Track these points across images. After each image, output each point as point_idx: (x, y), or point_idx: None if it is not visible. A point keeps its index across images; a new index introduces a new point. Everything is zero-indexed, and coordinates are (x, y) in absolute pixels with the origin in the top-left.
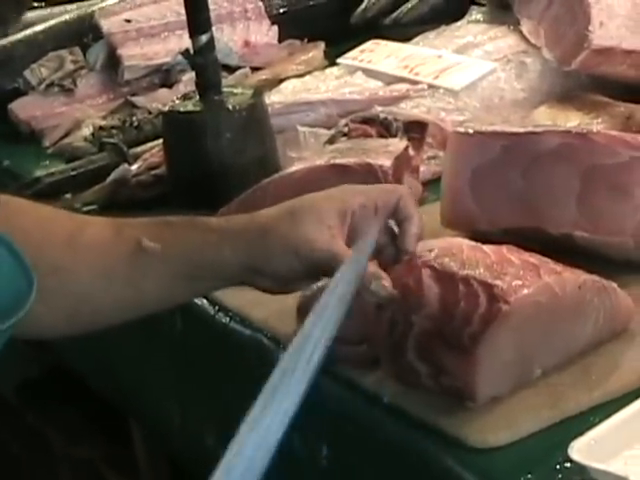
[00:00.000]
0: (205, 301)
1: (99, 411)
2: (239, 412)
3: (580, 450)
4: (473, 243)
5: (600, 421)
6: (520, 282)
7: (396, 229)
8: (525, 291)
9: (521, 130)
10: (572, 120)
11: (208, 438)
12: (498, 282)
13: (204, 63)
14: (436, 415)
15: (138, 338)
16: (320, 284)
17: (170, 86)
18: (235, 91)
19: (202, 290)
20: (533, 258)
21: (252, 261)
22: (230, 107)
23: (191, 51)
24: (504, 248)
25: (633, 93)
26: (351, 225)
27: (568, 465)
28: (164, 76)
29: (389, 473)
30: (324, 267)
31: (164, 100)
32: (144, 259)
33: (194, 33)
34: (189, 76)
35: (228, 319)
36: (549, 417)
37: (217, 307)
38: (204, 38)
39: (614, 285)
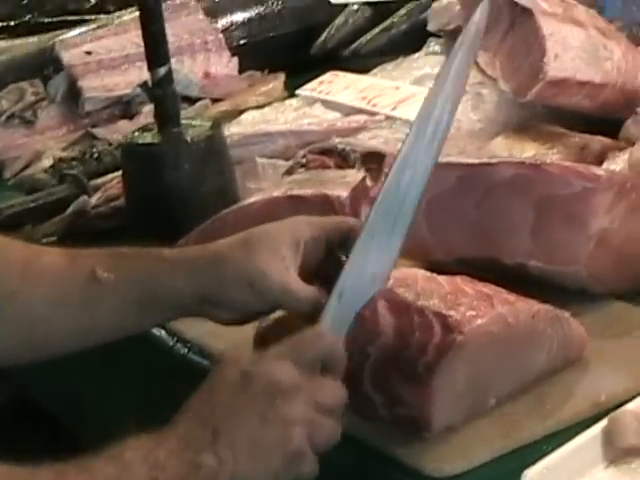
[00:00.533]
0: (164, 332)
1: (63, 440)
2: None
3: (532, 479)
4: (428, 273)
5: (553, 449)
6: (474, 312)
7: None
8: (479, 321)
9: (476, 161)
10: (528, 150)
11: None
12: (452, 312)
13: (163, 95)
14: (393, 445)
15: (98, 367)
16: (276, 315)
17: (131, 117)
18: (194, 123)
19: (156, 320)
20: (487, 288)
21: (205, 291)
22: (188, 139)
23: (149, 83)
24: (458, 278)
25: (588, 124)
26: (303, 256)
27: None
28: (124, 107)
29: None
30: (277, 299)
31: (124, 131)
32: (98, 288)
33: (152, 66)
34: (149, 108)
35: (186, 350)
36: (503, 446)
37: (176, 338)
38: (162, 70)
39: (567, 314)
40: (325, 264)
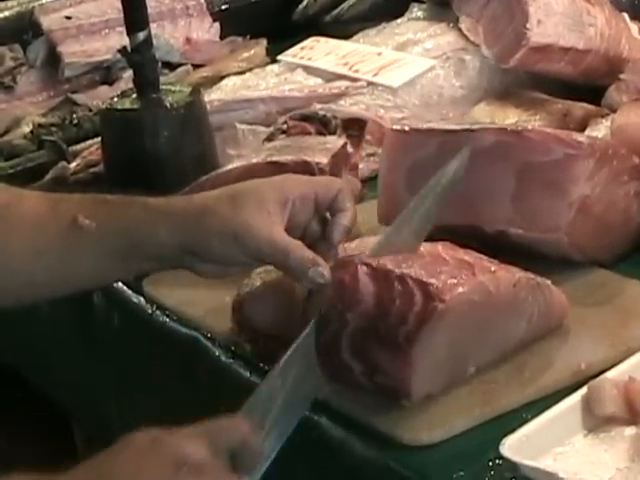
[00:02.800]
0: (142, 299)
1: (42, 412)
2: (177, 409)
3: (511, 447)
4: None
5: (532, 418)
6: (455, 280)
7: None
8: (460, 289)
9: (457, 127)
10: (510, 117)
11: None
12: (433, 280)
13: (141, 61)
14: (370, 414)
15: (76, 336)
16: (256, 282)
17: (111, 83)
18: (173, 89)
19: (135, 270)
20: (468, 256)
21: (189, 242)
22: (168, 105)
23: (129, 49)
24: (439, 246)
25: (570, 90)
26: (290, 214)
27: (500, 462)
28: (105, 73)
29: (323, 472)
30: (260, 253)
31: (104, 97)
32: (78, 236)
33: (131, 31)
34: (130, 73)
35: (165, 317)
36: (482, 415)
37: (154, 305)
38: (141, 35)
39: (548, 282)
40: (312, 225)
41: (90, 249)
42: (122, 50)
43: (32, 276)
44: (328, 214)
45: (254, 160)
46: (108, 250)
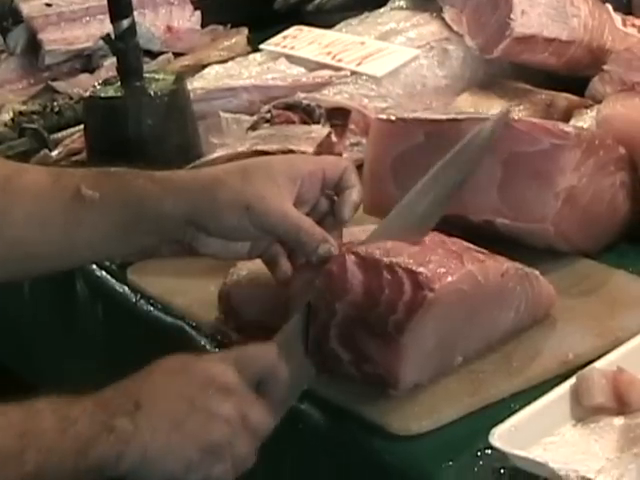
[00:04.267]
0: (126, 288)
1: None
2: None
3: (501, 437)
4: None
5: (521, 408)
6: (444, 270)
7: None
8: (449, 279)
9: (443, 117)
10: (494, 107)
11: None
12: (422, 269)
13: (125, 48)
14: (359, 403)
15: (59, 325)
16: (243, 272)
17: (91, 71)
18: (157, 77)
19: (138, 245)
20: (456, 246)
21: (196, 213)
22: (152, 93)
23: (112, 36)
24: (427, 236)
25: (554, 81)
26: (299, 191)
27: (489, 452)
28: (85, 61)
29: (312, 461)
30: (272, 226)
31: (85, 85)
32: (81, 207)
33: (115, 18)
34: (111, 61)
35: (150, 306)
36: (470, 404)
37: (139, 294)
38: (125, 23)
39: (536, 272)
40: (320, 203)
41: (93, 220)
42: (106, 37)
43: (34, 248)
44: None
45: (239, 149)
46: (111, 222)
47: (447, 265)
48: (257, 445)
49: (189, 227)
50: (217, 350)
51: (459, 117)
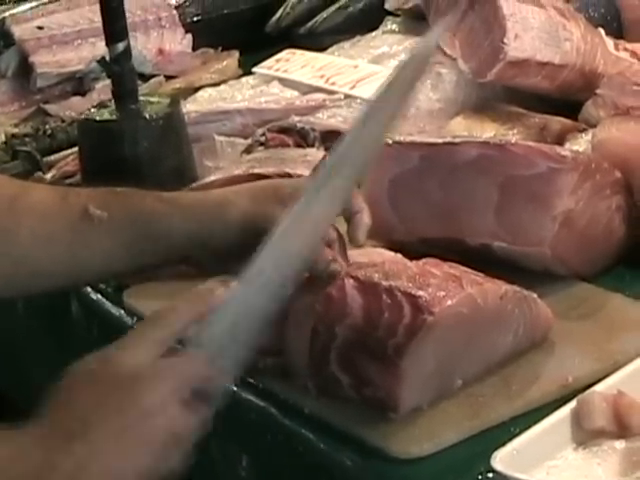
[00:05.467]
0: (122, 311)
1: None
2: None
3: (502, 460)
4: (393, 254)
5: (521, 431)
6: (443, 293)
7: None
8: (449, 302)
9: (439, 141)
10: (488, 131)
11: None
12: (422, 293)
13: (121, 71)
14: (358, 426)
15: (54, 348)
16: None
17: (83, 94)
18: (152, 100)
19: (144, 265)
20: (454, 269)
21: (206, 234)
22: (147, 116)
23: (107, 59)
24: (424, 261)
25: (547, 104)
26: None
27: (490, 475)
28: (77, 84)
29: None
30: None
31: (77, 108)
32: (89, 227)
33: (111, 41)
34: (102, 84)
35: None
36: (470, 427)
37: (135, 317)
38: (121, 46)
39: (534, 295)
40: None
41: (100, 240)
42: (101, 60)
43: (40, 266)
44: None
45: (236, 172)
46: (119, 241)
47: (446, 288)
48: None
49: (196, 247)
50: None
51: (455, 140)
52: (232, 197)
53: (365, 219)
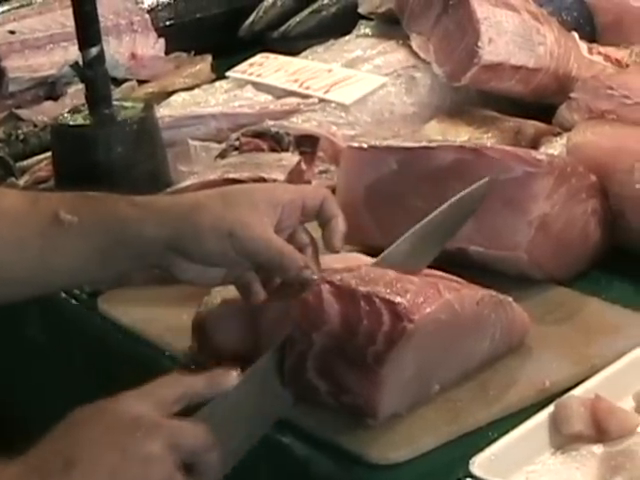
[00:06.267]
0: (98, 318)
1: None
2: None
3: (481, 465)
4: (369, 259)
5: (499, 436)
6: (422, 299)
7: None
8: (428, 309)
9: (415, 145)
10: (462, 135)
11: None
12: (401, 300)
13: (94, 76)
14: (337, 433)
15: (29, 354)
16: (217, 300)
17: (56, 99)
18: (125, 104)
19: (116, 270)
20: (430, 275)
21: (177, 238)
22: (121, 121)
23: (80, 64)
24: None
25: (521, 108)
26: (278, 219)
27: None
28: (49, 88)
29: None
30: (255, 252)
31: (50, 113)
32: (59, 232)
33: (84, 46)
34: (75, 88)
35: (122, 336)
36: (448, 433)
37: (110, 324)
38: (94, 51)
39: (510, 300)
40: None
41: (71, 245)
42: (74, 65)
43: (11, 273)
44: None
45: (211, 177)
46: (91, 246)
47: (425, 294)
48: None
49: (169, 252)
50: None
51: (430, 145)
52: (205, 201)
53: (340, 225)
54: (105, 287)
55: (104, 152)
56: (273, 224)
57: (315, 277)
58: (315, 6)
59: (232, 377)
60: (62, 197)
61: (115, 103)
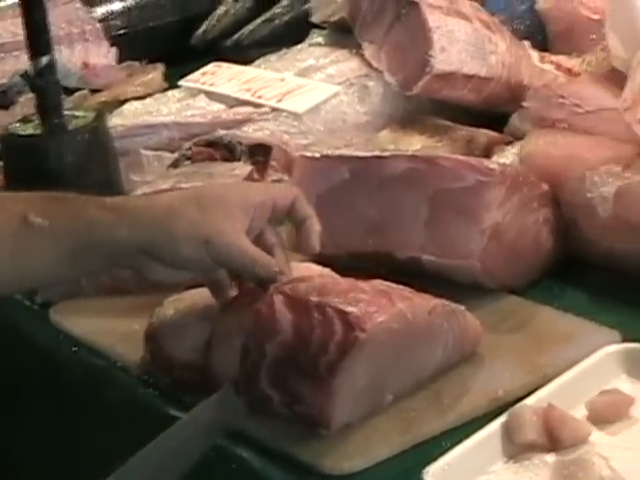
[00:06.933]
0: (49, 328)
1: None
2: (89, 441)
3: (434, 475)
4: (322, 269)
5: (452, 446)
6: (374, 309)
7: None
8: (380, 318)
9: (368, 154)
10: (415, 144)
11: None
12: (353, 309)
13: (45, 85)
14: (291, 443)
15: None
16: (169, 311)
17: (6, 107)
18: (77, 114)
19: (88, 270)
20: (383, 284)
21: (152, 244)
22: (72, 130)
23: (31, 73)
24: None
25: (474, 117)
26: (251, 220)
27: None
28: (0, 97)
29: None
30: (231, 260)
31: (1, 122)
32: (30, 234)
33: (34, 55)
34: (26, 97)
35: (74, 347)
36: (402, 442)
37: (62, 335)
38: (44, 60)
39: (463, 308)
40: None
41: (41, 248)
42: (24, 74)
43: None
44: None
45: (162, 186)
46: (61, 249)
47: (377, 304)
48: None
49: (142, 255)
50: (145, 390)
51: (383, 154)
52: (179, 206)
53: (315, 225)
54: (57, 298)
55: (55, 162)
56: (245, 228)
57: (287, 279)
58: (268, 15)
59: None
60: (30, 199)
61: (66, 112)
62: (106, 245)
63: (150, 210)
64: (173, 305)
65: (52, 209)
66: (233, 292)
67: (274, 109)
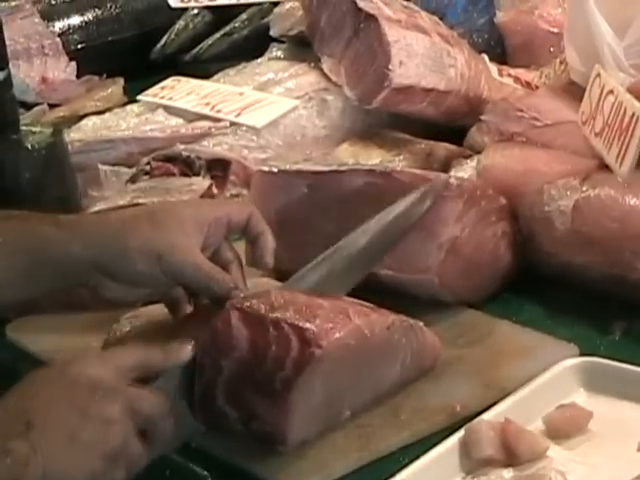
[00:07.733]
0: (5, 346)
1: None
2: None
3: None
4: (279, 284)
5: (410, 461)
6: (331, 325)
7: None
8: (337, 334)
9: (326, 169)
10: (374, 157)
11: None
12: (309, 325)
13: (1, 101)
14: (247, 460)
15: None
16: (126, 328)
17: None
18: (34, 129)
19: (42, 289)
20: (341, 300)
21: (105, 260)
22: (29, 146)
23: None
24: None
25: (433, 130)
26: (205, 237)
27: None
28: None
29: None
30: (184, 276)
31: None
32: None
33: None
34: None
35: (30, 365)
36: (359, 458)
37: (18, 352)
38: (1, 75)
39: (421, 324)
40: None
41: None
42: None
43: None
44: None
45: (120, 202)
46: (14, 267)
47: (334, 320)
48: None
49: (96, 272)
50: None
51: (341, 169)
52: (132, 221)
53: (270, 241)
54: (13, 315)
55: (11, 178)
56: (200, 244)
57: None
58: (227, 29)
59: (187, 350)
60: None
61: (23, 128)
62: (60, 262)
63: (104, 226)
64: (129, 322)
65: (6, 227)
66: (189, 308)
67: (233, 123)
